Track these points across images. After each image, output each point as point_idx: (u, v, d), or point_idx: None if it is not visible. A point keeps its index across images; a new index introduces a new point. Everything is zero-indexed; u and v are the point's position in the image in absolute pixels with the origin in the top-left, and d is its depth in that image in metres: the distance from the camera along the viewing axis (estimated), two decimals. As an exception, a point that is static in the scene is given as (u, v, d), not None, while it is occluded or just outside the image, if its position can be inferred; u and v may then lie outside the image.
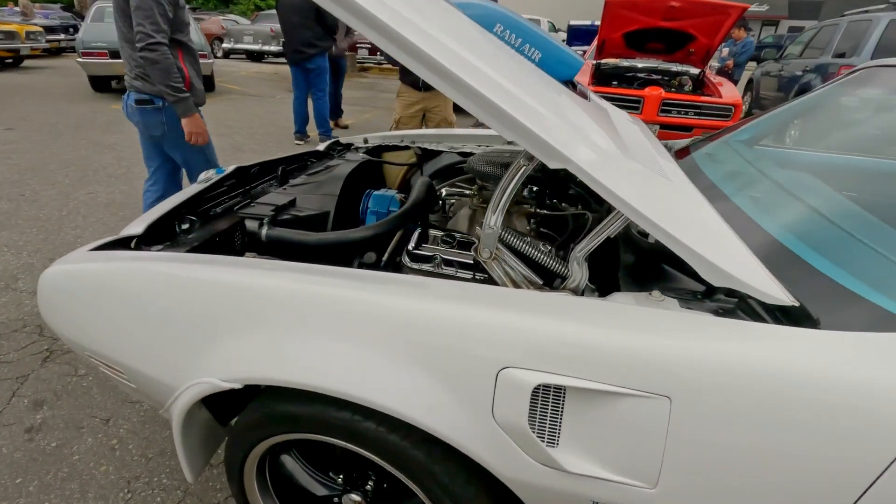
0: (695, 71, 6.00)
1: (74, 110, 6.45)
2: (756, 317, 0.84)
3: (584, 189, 1.55)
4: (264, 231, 1.41)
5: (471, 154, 2.34)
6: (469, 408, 0.83)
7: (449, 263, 1.45)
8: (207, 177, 1.85)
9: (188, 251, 1.26)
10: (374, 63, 12.00)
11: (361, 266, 1.56)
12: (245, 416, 1.04)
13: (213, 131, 5.78)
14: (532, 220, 1.58)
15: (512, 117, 0.80)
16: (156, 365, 1.04)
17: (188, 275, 1.01)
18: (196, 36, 7.34)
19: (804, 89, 6.20)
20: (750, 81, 8.34)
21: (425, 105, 3.59)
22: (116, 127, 5.74)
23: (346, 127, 6.30)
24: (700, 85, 6.02)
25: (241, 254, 1.37)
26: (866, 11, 6.02)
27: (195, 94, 2.41)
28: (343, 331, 0.88)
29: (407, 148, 2.49)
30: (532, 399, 0.78)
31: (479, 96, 0.80)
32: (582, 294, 1.03)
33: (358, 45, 11.17)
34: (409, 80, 3.52)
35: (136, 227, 1.38)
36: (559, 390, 0.78)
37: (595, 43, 6.35)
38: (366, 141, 2.49)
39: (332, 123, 5.54)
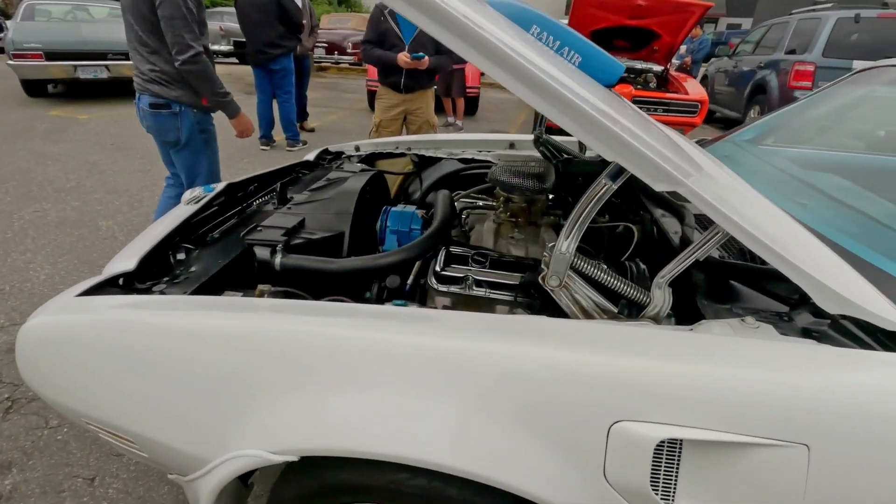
0: (658, 68, 6.12)
1: (8, 118, 5.87)
2: (850, 337, 0.78)
3: (622, 199, 1.47)
4: (278, 259, 1.25)
5: (472, 160, 2.24)
6: (576, 469, 0.72)
7: (479, 284, 1.35)
8: (194, 196, 1.66)
9: (195, 290, 1.09)
10: (332, 62, 11.65)
11: (384, 292, 1.43)
12: (292, 485, 0.89)
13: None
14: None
15: (617, 135, 0.70)
16: (177, 434, 0.88)
17: (209, 326, 0.85)
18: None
19: (760, 85, 6.45)
20: (704, 77, 8.63)
21: (406, 107, 3.45)
22: (59, 135, 5.26)
23: (312, 130, 6.04)
24: (664, 82, 6.16)
25: (252, 286, 1.21)
26: (813, 10, 6.32)
27: None
28: (420, 386, 0.75)
29: (403, 155, 2.35)
30: (655, 455, 0.69)
31: (580, 112, 0.69)
32: (662, 321, 0.94)
33: (315, 45, 10.81)
34: (390, 81, 3.37)
35: (126, 262, 1.19)
36: (674, 443, 0.69)
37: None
38: (357, 149, 2.33)
39: (297, 127, 5.28)
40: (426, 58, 3.21)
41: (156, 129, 2.33)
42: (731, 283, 1.01)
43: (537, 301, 1.22)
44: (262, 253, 1.27)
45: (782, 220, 0.89)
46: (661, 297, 0.90)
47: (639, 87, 5.71)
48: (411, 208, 1.50)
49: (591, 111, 0.69)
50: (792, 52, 6.14)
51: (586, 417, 0.72)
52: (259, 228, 1.34)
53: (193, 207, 1.55)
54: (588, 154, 2.10)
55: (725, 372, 0.70)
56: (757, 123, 2.03)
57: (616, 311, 0.96)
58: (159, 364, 0.86)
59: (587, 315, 0.96)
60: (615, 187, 0.84)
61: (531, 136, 2.27)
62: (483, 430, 0.71)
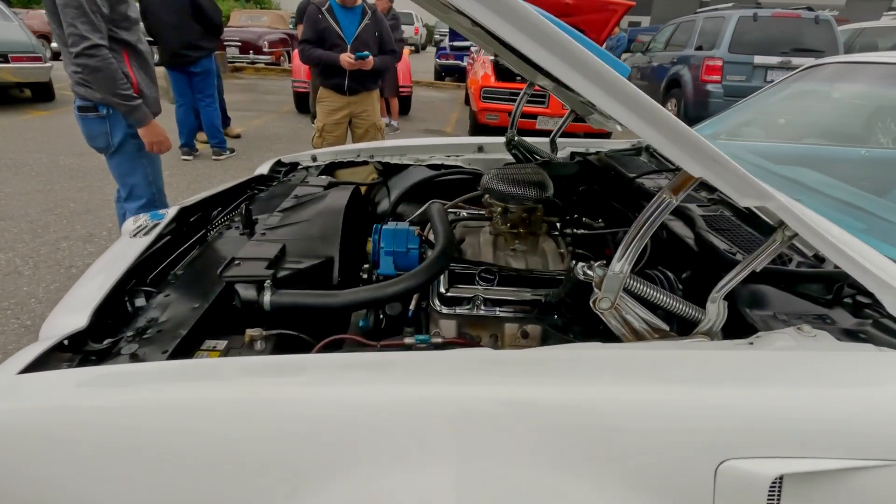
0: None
1: None
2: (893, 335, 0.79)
3: (622, 202, 1.43)
4: (267, 298, 1.08)
5: (442, 166, 2.13)
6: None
7: (487, 303, 1.26)
8: (139, 225, 1.42)
9: (177, 348, 0.90)
10: (248, 62, 10.96)
11: (384, 319, 1.29)
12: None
13: (70, 151, 4.78)
14: (565, 240, 1.44)
15: (709, 150, 0.63)
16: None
17: (223, 401, 0.68)
18: (25, 34, 6.01)
19: (674, 79, 6.89)
20: (621, 73, 9.09)
21: (351, 110, 3.27)
22: (-74, 153, 4.46)
23: (237, 136, 5.61)
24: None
25: (234, 330, 1.03)
26: (716, 9, 6.85)
27: (148, 104, 2.12)
28: (503, 449, 0.64)
29: (365, 163, 2.20)
30: (770, 493, 0.63)
31: (672, 127, 0.62)
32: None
33: (226, 43, 10.10)
34: (332, 83, 3.16)
35: (73, 318, 0.97)
36: (780, 478, 0.64)
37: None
38: (314, 158, 2.14)
39: (223, 133, 4.87)
40: (371, 57, 3.05)
41: (86, 135, 2.12)
42: (759, 288, 0.99)
43: (561, 319, 1.15)
44: (247, 292, 1.09)
45: (831, 225, 0.88)
46: (715, 311, 0.86)
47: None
48: (404, 225, 1.37)
49: (682, 126, 0.62)
50: (700, 48, 6.61)
51: (689, 461, 0.65)
52: (236, 262, 1.16)
53: (143, 240, 1.32)
54: (560, 156, 2.08)
55: (831, 393, 0.66)
56: (711, 120, 2.11)
57: (668, 329, 0.91)
58: (152, 463, 0.68)
59: (638, 336, 0.90)
60: (676, 203, 0.78)
61: (499, 139, 2.21)
62: (591, 498, 0.62)
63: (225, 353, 0.98)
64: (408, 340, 1.04)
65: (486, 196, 1.48)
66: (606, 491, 0.62)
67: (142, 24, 2.14)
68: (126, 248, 1.30)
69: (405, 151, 2.17)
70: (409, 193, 1.97)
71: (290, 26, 12.07)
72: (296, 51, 6.71)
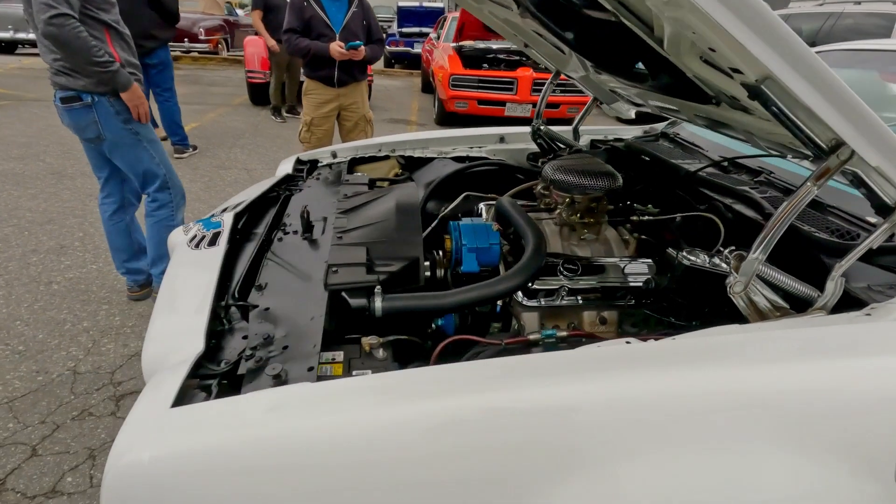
0: (543, 51, 6.44)
1: None
2: None
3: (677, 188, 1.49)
4: (379, 304, 1.05)
5: (466, 158, 2.12)
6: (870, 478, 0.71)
7: (572, 293, 1.28)
8: (194, 235, 1.33)
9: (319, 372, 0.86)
10: (183, 51, 10.23)
11: (470, 316, 1.29)
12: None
13: (7, 155, 4.29)
14: (628, 227, 1.49)
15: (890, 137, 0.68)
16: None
17: (443, 416, 0.67)
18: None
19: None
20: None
21: (341, 103, 3.16)
22: None
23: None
24: (552, 64, 6.51)
25: (336, 340, 1.00)
26: None
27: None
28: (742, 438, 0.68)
29: (387, 158, 2.14)
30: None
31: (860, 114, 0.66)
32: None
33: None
34: (321, 75, 3.04)
35: (189, 342, 0.91)
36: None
37: (453, 26, 6.39)
38: (334, 155, 2.07)
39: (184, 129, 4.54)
40: (363, 46, 2.95)
41: (74, 127, 2.02)
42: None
43: (657, 305, 1.20)
44: (356, 300, 1.06)
45: None
46: (833, 288, 0.93)
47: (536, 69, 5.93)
48: (479, 220, 1.36)
49: (874, 117, 0.66)
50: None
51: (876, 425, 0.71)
52: (333, 269, 1.11)
53: (215, 252, 1.23)
54: (581, 143, 2.13)
55: None
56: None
57: (788, 307, 0.97)
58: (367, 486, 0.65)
59: (762, 315, 0.96)
60: (816, 191, 0.84)
61: (519, 129, 2.22)
62: (825, 477, 0.67)
63: (346, 363, 0.95)
64: (533, 336, 1.04)
65: (550, 187, 1.49)
66: (833, 469, 0.67)
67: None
68: (197, 261, 1.21)
69: (427, 144, 2.14)
70: (442, 186, 1.95)
71: (226, 12, 11.38)
72: (248, 39, 6.37)
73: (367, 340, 1.01)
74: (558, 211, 1.48)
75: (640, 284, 1.22)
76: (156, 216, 2.22)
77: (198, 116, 5.99)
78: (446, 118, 6.15)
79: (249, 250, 1.30)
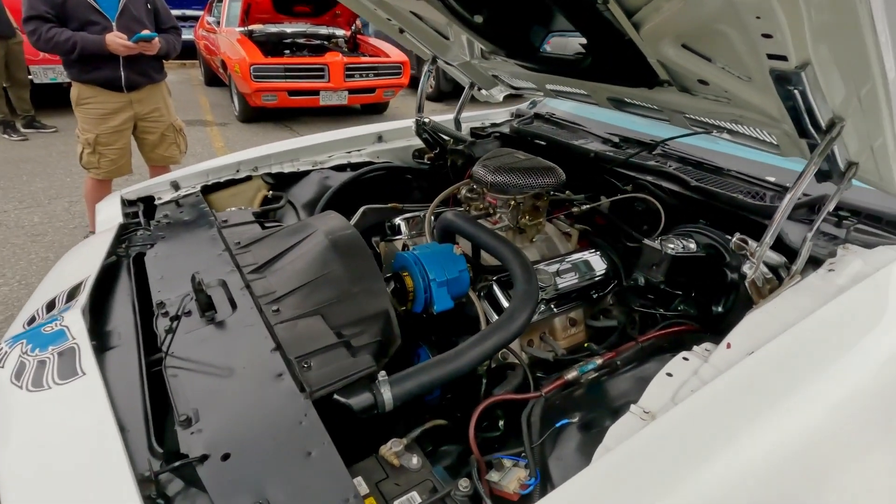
0: (341, 33, 6.10)
1: None
2: None
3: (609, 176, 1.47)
4: (388, 395, 0.79)
5: (348, 166, 1.80)
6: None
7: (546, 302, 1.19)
8: (21, 362, 0.83)
9: None
10: None
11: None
12: None
13: None
14: (562, 219, 1.43)
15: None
16: None
17: None
18: None
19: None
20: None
21: (136, 111, 2.44)
22: None
23: None
24: (355, 46, 6.20)
25: (356, 444, 0.73)
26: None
27: None
28: None
29: (248, 179, 1.69)
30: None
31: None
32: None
33: None
34: (99, 77, 2.27)
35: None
36: None
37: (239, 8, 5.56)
38: (177, 186, 1.55)
39: None
40: (157, 37, 2.29)
41: None
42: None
43: (639, 301, 1.16)
44: (359, 400, 0.76)
45: None
46: (805, 252, 0.99)
47: (345, 55, 5.58)
48: (444, 245, 1.13)
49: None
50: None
51: None
52: (305, 365, 0.78)
53: (78, 387, 0.77)
54: (462, 134, 2.00)
55: None
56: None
57: (779, 282, 1.01)
58: None
59: (760, 293, 0.98)
60: (815, 170, 0.86)
61: (397, 125, 1.98)
62: None
63: (375, 491, 0.69)
64: (570, 376, 0.90)
65: (484, 189, 1.33)
66: None
67: None
68: (54, 411, 0.73)
69: (297, 155, 1.76)
70: (330, 206, 1.62)
71: None
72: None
73: (390, 450, 0.74)
74: (499, 215, 1.34)
75: (603, 276, 1.19)
76: None
77: None
78: (252, 114, 5.42)
79: (130, 366, 0.85)
